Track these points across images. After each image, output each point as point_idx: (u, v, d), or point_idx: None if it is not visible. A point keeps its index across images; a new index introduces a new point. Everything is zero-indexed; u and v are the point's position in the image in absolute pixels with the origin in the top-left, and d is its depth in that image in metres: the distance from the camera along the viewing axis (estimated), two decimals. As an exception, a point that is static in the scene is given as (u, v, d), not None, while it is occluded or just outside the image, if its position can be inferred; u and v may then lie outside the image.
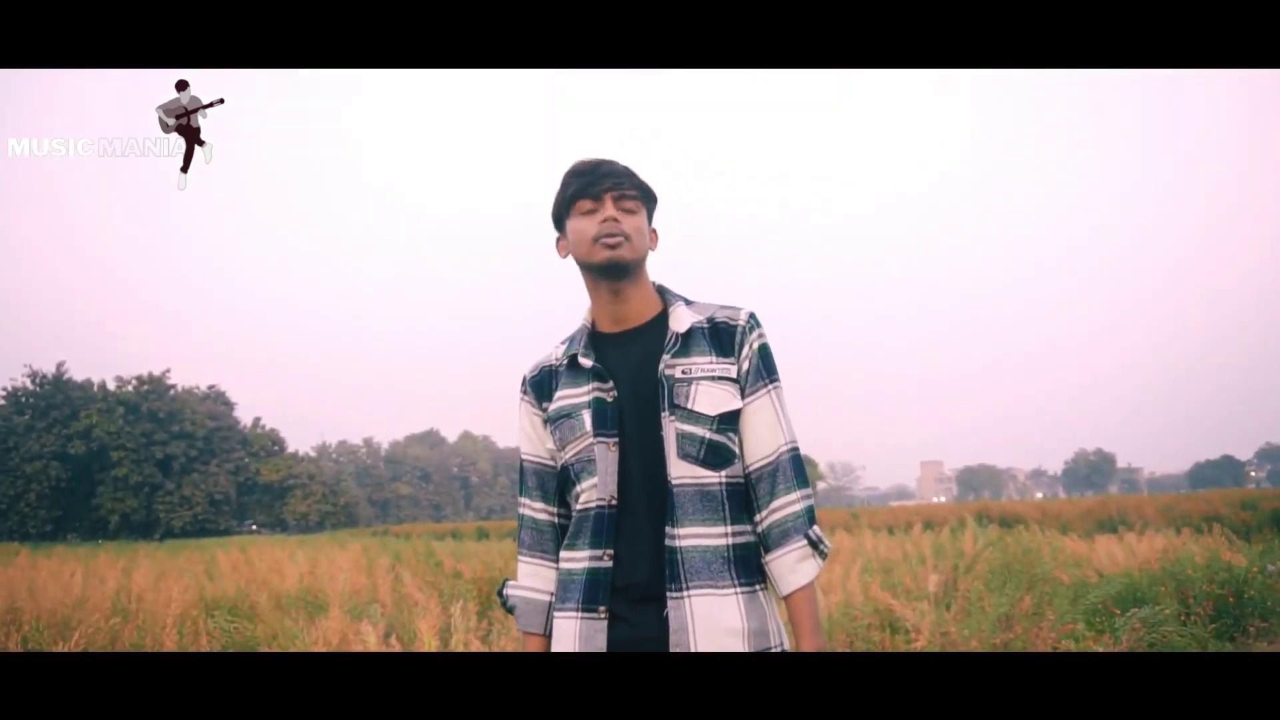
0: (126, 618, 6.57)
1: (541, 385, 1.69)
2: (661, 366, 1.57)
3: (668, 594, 1.49)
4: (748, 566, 1.56)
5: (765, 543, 1.59)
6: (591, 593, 1.53)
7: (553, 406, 1.65)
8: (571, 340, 1.68)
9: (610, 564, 1.54)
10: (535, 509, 1.70)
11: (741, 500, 1.59)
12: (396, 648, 5.04)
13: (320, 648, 4.71)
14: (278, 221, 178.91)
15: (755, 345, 1.62)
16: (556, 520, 1.70)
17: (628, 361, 1.61)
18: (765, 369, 1.62)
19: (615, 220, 1.57)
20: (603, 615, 1.52)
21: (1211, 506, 19.47)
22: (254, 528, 70.61)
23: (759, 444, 1.60)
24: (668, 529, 1.52)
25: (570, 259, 1.67)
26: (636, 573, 1.53)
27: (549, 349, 1.73)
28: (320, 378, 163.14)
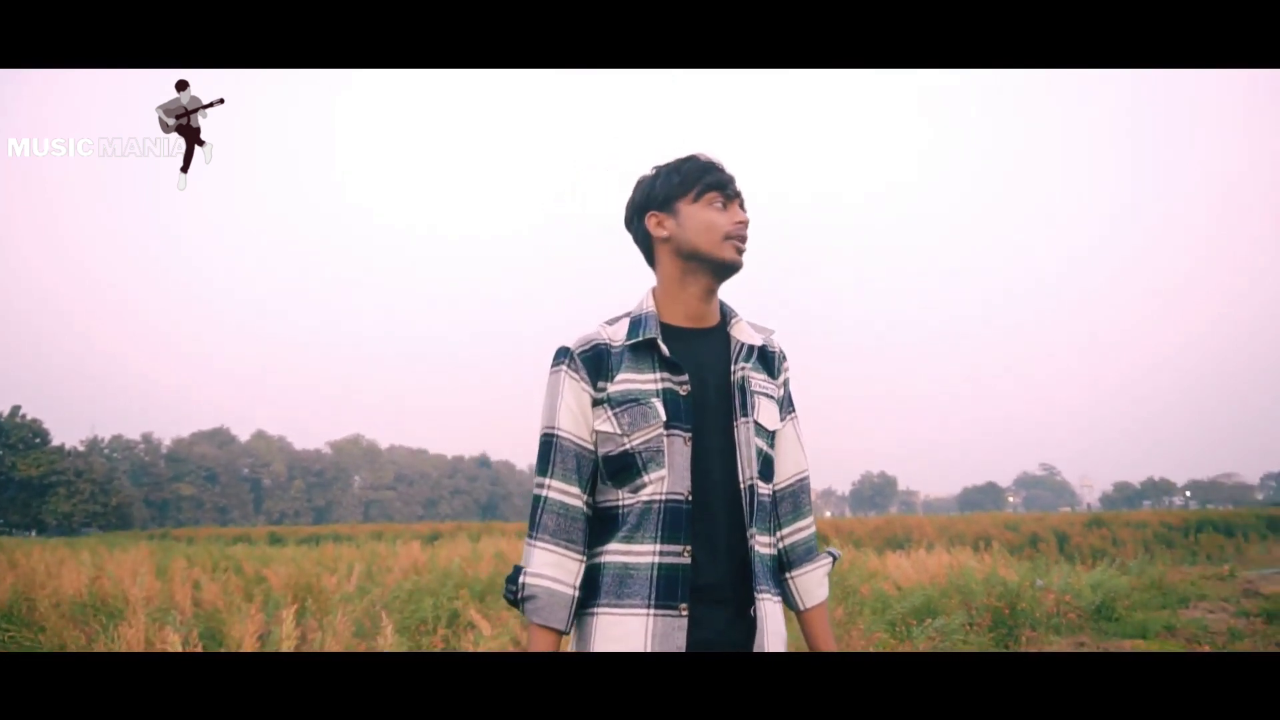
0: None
1: (597, 363, 1.56)
2: (737, 373, 1.58)
3: (756, 594, 1.52)
4: (779, 576, 1.65)
5: (788, 558, 1.67)
6: (668, 589, 1.47)
7: (615, 389, 1.54)
8: (637, 323, 1.59)
9: (689, 561, 1.49)
10: (568, 493, 1.55)
11: (775, 514, 1.68)
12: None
13: (124, 657, 4.32)
14: (46, 201, 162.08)
15: (788, 374, 1.72)
16: (586, 509, 1.57)
17: (697, 359, 1.58)
18: (791, 397, 1.72)
19: (747, 224, 1.60)
20: (683, 613, 1.46)
21: (981, 527, 21.42)
22: (6, 528, 63.13)
23: (786, 465, 1.69)
24: (750, 531, 1.52)
25: (664, 236, 1.61)
26: (712, 573, 1.50)
27: (592, 327, 1.62)
28: (94, 366, 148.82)
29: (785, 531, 1.68)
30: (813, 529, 1.71)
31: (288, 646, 4.59)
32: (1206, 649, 6.90)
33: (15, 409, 67.41)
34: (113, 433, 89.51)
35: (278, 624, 5.25)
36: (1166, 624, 8.28)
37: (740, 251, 1.58)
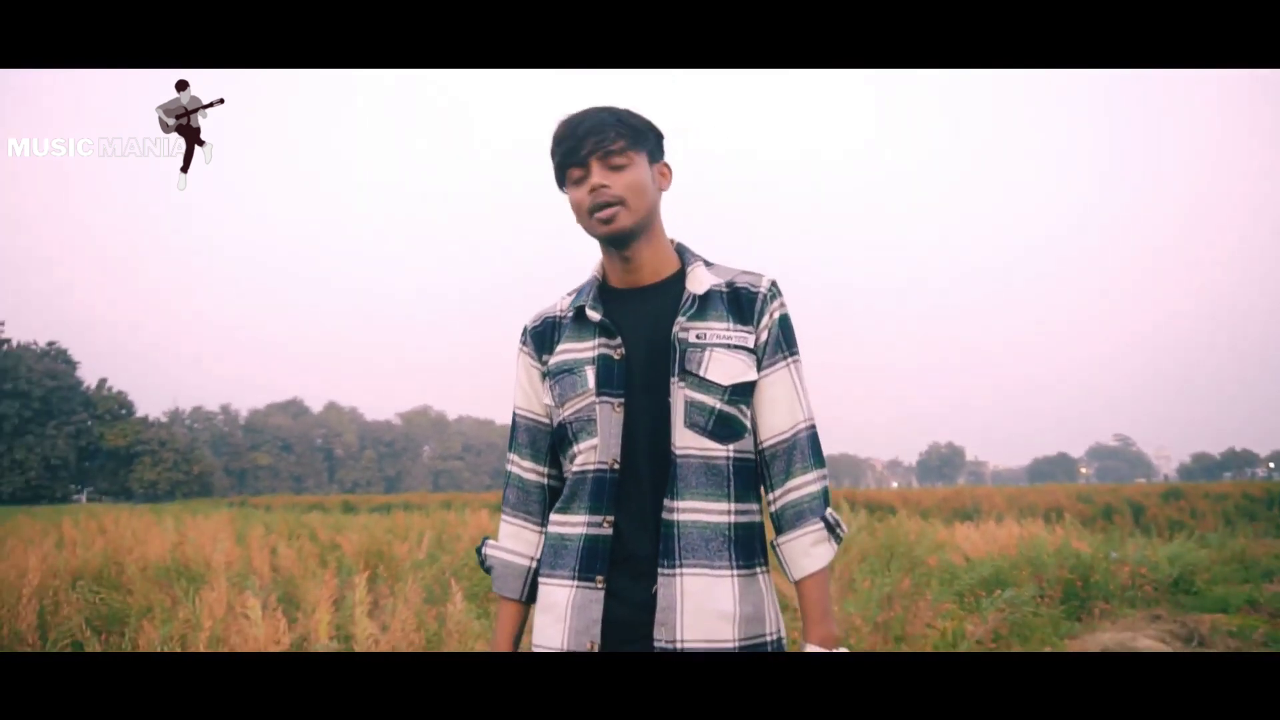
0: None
1: (543, 336, 1.58)
2: (675, 329, 1.46)
3: (659, 570, 1.41)
4: (749, 547, 1.47)
5: (778, 523, 1.50)
6: (589, 561, 1.44)
7: (553, 360, 1.54)
8: (579, 292, 1.57)
9: (610, 532, 1.44)
10: (524, 467, 1.60)
11: (749, 477, 1.49)
12: (281, 621, 4.87)
13: (206, 620, 4.50)
14: (134, 177, 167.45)
15: (776, 315, 1.52)
16: (546, 481, 1.60)
17: (638, 320, 1.50)
18: (785, 341, 1.52)
19: (604, 187, 1.45)
20: (600, 585, 1.43)
21: (1053, 498, 20.89)
22: (96, 495, 66.17)
23: (776, 419, 1.50)
24: (666, 501, 1.42)
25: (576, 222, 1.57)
26: (637, 545, 1.44)
27: (553, 299, 1.62)
28: (175, 342, 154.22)
29: (776, 494, 1.50)
30: (809, 489, 1.48)
31: (360, 612, 4.73)
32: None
33: (102, 381, 70.51)
34: (193, 404, 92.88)
35: (350, 589, 5.41)
36: (1249, 598, 7.99)
37: (608, 220, 1.45)
